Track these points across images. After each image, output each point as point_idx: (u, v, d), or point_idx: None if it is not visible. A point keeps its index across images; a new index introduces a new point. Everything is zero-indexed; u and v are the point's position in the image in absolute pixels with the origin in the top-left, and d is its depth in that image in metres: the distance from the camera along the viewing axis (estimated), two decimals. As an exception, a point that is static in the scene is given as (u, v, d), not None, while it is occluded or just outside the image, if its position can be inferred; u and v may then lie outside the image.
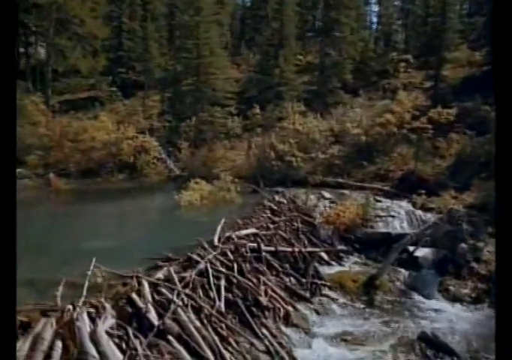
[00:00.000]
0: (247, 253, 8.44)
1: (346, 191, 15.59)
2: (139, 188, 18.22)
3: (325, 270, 10.02)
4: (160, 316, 6.02)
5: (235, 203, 13.91)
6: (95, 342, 5.18)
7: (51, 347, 5.06)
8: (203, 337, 5.95)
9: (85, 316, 5.61)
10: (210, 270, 7.40)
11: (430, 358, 7.09)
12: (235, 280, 7.53)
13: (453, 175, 15.44)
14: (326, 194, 14.61)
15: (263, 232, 10.03)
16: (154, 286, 6.64)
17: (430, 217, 12.45)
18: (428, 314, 8.71)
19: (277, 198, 12.90)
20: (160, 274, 7.04)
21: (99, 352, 5.08)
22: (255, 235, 9.68)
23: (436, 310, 8.87)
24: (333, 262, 10.73)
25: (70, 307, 5.76)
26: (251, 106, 21.69)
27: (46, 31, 27.63)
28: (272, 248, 9.44)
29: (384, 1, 34.89)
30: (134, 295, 6.34)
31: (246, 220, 10.72)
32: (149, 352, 5.39)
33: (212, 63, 22.83)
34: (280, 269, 9.01)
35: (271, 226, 10.65)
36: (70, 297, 6.18)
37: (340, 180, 17.12)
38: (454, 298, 9.37)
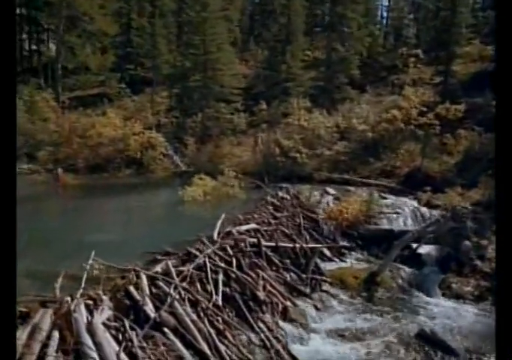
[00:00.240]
0: (246, 248, 8.47)
1: (352, 188, 15.53)
2: (145, 184, 18.40)
3: (326, 266, 10.01)
4: (157, 309, 6.10)
5: (238, 199, 13.96)
6: (91, 333, 5.28)
7: (48, 337, 5.18)
8: (199, 330, 6.01)
9: (82, 307, 5.72)
10: (208, 264, 7.46)
11: (428, 355, 7.06)
12: (233, 275, 7.56)
13: (460, 172, 15.24)
14: (330, 190, 14.57)
15: (265, 228, 10.04)
16: (152, 279, 6.73)
17: (435, 214, 12.35)
18: (428, 312, 8.65)
19: (280, 194, 12.88)
20: (158, 268, 7.12)
21: (95, 342, 5.17)
22: (256, 230, 9.70)
23: (437, 308, 8.80)
24: (335, 259, 10.71)
25: (69, 298, 5.88)
26: (258, 102, 21.69)
27: (56, 29, 28.02)
28: (273, 243, 9.46)
29: (395, -5, 34.41)
30: (132, 288, 6.44)
31: (248, 215, 10.73)
32: (144, 344, 5.48)
33: (219, 59, 22.81)
34: (280, 265, 9.01)
35: (273, 221, 10.66)
36: (70, 289, 6.31)
37: (346, 176, 17.05)
38: (456, 296, 9.28)
